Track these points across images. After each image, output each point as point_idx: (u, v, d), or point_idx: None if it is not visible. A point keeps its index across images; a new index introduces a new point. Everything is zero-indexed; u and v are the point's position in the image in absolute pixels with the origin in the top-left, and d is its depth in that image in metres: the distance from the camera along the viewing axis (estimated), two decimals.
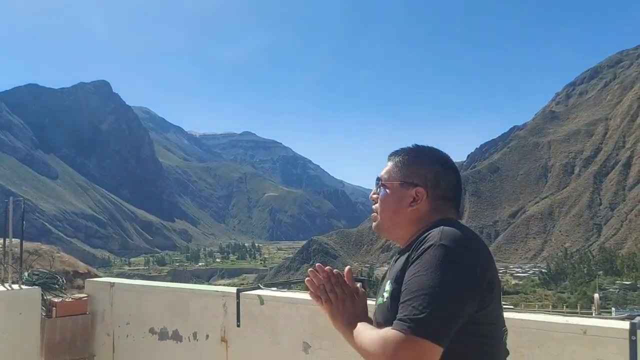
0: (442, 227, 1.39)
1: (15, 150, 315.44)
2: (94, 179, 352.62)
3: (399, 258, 1.51)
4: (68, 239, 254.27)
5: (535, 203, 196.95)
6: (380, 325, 1.40)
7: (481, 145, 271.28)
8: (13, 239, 4.40)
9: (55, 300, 4.26)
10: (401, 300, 1.29)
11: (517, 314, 2.55)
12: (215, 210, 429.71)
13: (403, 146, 1.62)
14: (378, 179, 1.61)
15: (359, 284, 1.66)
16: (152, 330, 4.05)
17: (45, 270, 4.70)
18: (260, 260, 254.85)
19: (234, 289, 3.71)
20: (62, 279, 4.60)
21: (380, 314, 1.43)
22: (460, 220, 1.48)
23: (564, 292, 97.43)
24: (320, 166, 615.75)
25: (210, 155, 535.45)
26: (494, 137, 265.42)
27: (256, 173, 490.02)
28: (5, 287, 4.21)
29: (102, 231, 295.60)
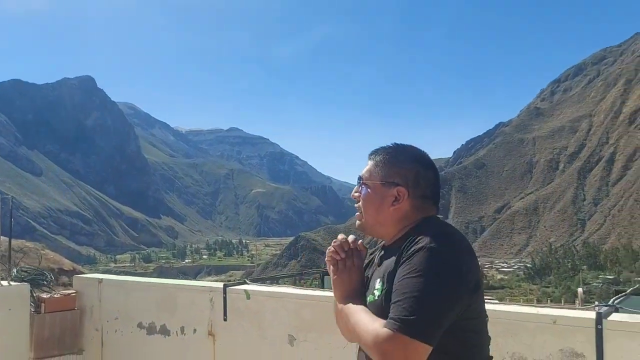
0: (432, 228, 1.45)
1: None
2: (79, 176, 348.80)
3: (382, 255, 1.59)
4: (53, 236, 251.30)
5: (521, 199, 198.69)
6: None
7: (467, 142, 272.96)
8: (1, 236, 4.45)
9: (44, 296, 4.31)
10: (392, 300, 1.35)
11: (491, 305, 2.59)
12: (202, 206, 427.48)
13: (383, 145, 1.65)
14: (360, 178, 1.65)
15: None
16: (140, 325, 4.13)
17: (33, 267, 4.75)
18: (248, 256, 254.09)
19: (220, 284, 3.80)
20: (50, 275, 4.65)
21: (373, 311, 1.46)
22: (443, 216, 1.51)
23: (548, 287, 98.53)
24: (308, 162, 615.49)
25: (196, 151, 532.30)
26: (480, 134, 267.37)
27: (243, 169, 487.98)
28: None
29: (88, 228, 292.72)
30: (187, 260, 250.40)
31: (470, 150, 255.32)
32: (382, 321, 1.35)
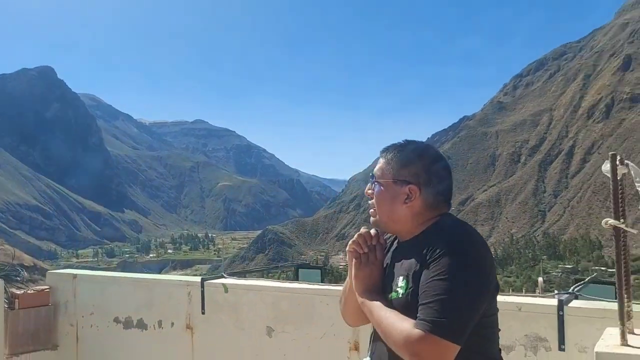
0: (452, 227, 1.51)
1: None
2: (39, 169, 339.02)
3: (396, 249, 1.65)
4: (11, 230, 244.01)
5: (484, 191, 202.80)
6: None
7: (432, 135, 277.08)
8: None
9: (18, 292, 4.29)
10: (421, 301, 1.39)
11: None
12: (167, 200, 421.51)
13: (394, 142, 1.67)
14: (372, 176, 1.66)
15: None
16: (116, 320, 4.14)
17: (6, 263, 4.71)
18: (214, 250, 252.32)
19: (198, 278, 3.85)
20: (23, 271, 4.62)
21: (397, 309, 1.49)
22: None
23: (510, 276, 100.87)
24: (275, 155, 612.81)
25: (160, 143, 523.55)
26: (445, 127, 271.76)
27: (209, 162, 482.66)
28: None
29: (48, 222, 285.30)
30: (151, 255, 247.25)
31: (436, 144, 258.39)
32: (411, 321, 1.38)
